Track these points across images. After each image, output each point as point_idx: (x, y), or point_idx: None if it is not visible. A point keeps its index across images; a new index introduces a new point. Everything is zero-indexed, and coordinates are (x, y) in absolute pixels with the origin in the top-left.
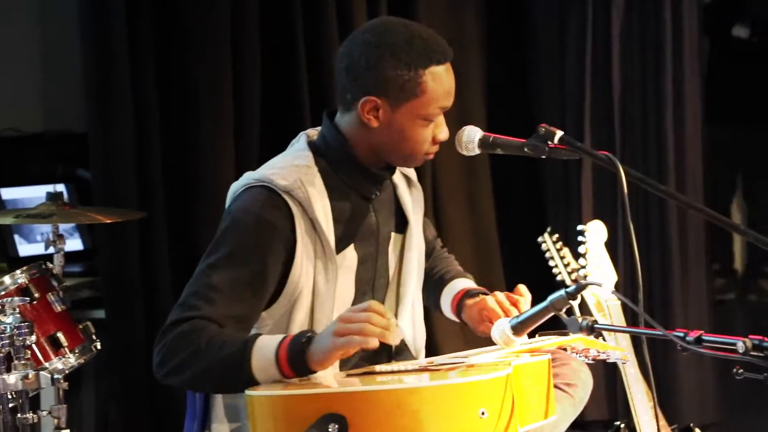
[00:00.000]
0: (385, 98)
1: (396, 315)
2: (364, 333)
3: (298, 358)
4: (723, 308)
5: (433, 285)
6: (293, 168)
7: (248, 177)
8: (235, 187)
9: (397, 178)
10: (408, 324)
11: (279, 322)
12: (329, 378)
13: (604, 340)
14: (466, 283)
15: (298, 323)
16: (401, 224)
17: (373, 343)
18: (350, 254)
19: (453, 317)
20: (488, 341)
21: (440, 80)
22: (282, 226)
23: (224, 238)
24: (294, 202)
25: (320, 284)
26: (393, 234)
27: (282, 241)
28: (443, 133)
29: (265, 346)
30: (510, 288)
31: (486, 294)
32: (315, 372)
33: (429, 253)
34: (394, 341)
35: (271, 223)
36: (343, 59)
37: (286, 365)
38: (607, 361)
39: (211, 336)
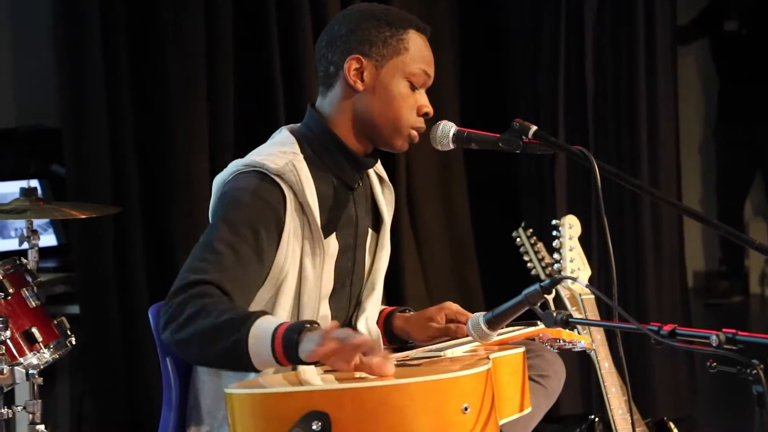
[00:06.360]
0: (369, 57)
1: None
2: (345, 358)
3: (292, 348)
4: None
5: None
6: (281, 153)
7: (237, 164)
8: (224, 175)
9: (372, 176)
10: (362, 325)
11: (264, 308)
12: (311, 374)
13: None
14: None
15: (285, 308)
16: (375, 223)
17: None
18: (333, 242)
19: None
20: None
21: (421, 45)
22: (275, 204)
23: (222, 216)
24: (285, 184)
25: (307, 267)
26: (369, 230)
27: (274, 220)
28: (428, 106)
29: (265, 327)
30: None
31: (411, 311)
32: (306, 363)
33: None
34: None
35: (265, 199)
36: (323, 39)
37: (281, 352)
38: (573, 350)
39: (218, 301)
